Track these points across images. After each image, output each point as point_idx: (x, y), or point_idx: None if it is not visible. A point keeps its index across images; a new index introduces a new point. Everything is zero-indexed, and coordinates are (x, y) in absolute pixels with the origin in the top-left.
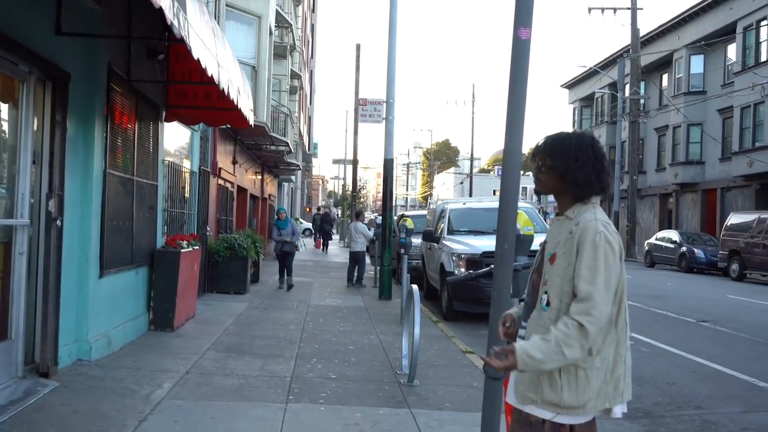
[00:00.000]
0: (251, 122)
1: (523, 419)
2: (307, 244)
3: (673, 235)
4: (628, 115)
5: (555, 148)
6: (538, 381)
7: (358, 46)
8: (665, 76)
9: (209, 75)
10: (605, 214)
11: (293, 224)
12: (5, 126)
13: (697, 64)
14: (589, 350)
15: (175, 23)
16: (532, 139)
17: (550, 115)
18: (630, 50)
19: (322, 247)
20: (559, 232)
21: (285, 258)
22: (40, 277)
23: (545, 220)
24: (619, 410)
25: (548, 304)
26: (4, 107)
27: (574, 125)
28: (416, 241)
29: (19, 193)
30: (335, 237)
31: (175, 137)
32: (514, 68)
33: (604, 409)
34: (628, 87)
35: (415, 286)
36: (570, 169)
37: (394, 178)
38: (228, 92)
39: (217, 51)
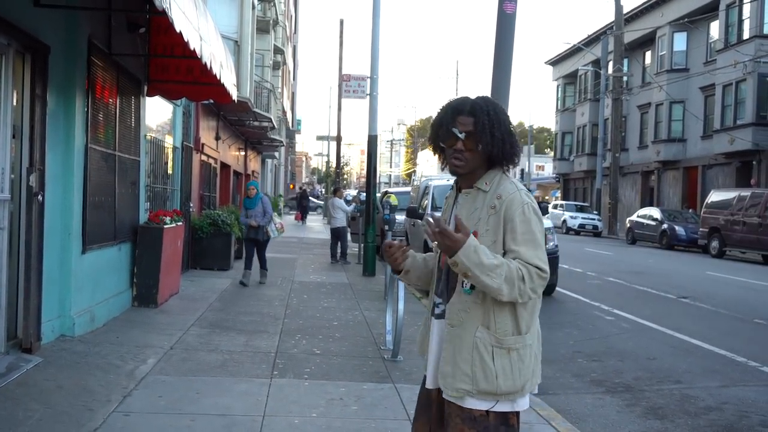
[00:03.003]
0: (234, 97)
1: (466, 415)
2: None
3: (655, 212)
4: (611, 93)
5: (474, 113)
6: (471, 371)
7: (341, 22)
8: (648, 54)
9: (191, 49)
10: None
11: (265, 203)
12: None
13: (680, 41)
14: (518, 323)
15: None
16: (517, 116)
17: (535, 91)
18: (613, 27)
19: (302, 219)
20: (475, 207)
21: (256, 247)
22: (22, 252)
23: None
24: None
25: (472, 287)
26: None
27: (557, 102)
28: (400, 217)
29: None
30: (319, 214)
31: (158, 112)
32: (499, 42)
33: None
34: (611, 64)
35: None
36: (492, 136)
37: (378, 155)
38: (210, 66)
39: (200, 24)
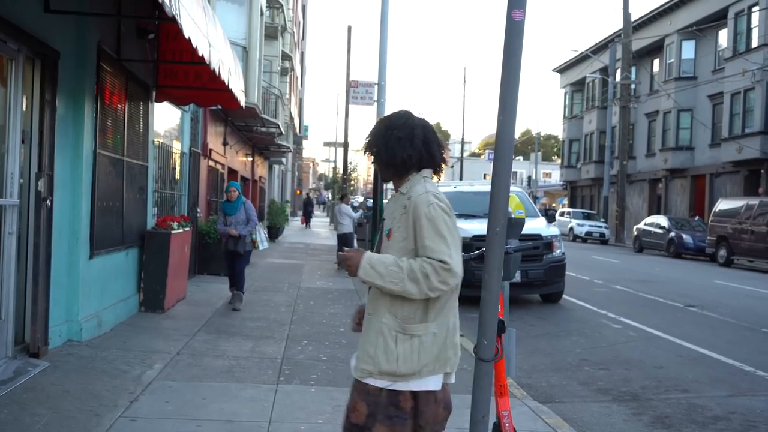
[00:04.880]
0: (242, 103)
1: (362, 388)
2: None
3: (662, 220)
4: (618, 100)
5: (372, 133)
6: (375, 352)
7: (349, 28)
8: (656, 62)
9: (200, 55)
10: (437, 187)
11: (248, 209)
12: None
13: (688, 49)
14: (391, 309)
15: (167, 1)
16: (525, 123)
17: (543, 99)
18: (621, 35)
19: (306, 223)
20: (395, 207)
21: (233, 260)
22: (30, 257)
23: (535, 204)
24: (454, 376)
25: None
26: None
27: (565, 110)
28: None
29: (8, 173)
30: (326, 220)
31: (166, 118)
32: (507, 50)
33: (445, 373)
34: (619, 72)
35: None
36: (386, 148)
37: None
38: (219, 72)
39: (208, 30)
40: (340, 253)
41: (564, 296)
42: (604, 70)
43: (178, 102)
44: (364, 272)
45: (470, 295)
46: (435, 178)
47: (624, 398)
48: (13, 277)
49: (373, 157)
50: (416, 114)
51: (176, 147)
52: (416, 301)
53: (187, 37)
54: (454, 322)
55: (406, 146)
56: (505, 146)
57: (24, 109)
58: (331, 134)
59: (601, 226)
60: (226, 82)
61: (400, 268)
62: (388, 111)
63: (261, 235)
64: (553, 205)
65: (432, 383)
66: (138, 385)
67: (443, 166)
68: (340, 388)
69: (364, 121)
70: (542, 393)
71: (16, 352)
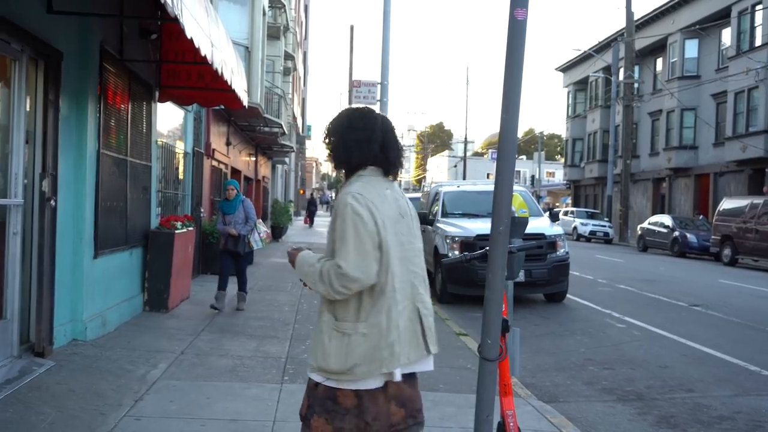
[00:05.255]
0: (245, 103)
1: (308, 384)
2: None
3: (666, 219)
4: (621, 99)
5: (332, 127)
6: (315, 348)
7: (351, 28)
8: (659, 61)
9: (203, 55)
10: (368, 186)
11: (247, 207)
12: None
13: (691, 48)
14: (329, 308)
15: (169, 1)
16: (528, 122)
17: (546, 98)
18: (624, 34)
19: (309, 222)
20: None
21: (235, 261)
22: (35, 257)
23: (539, 203)
24: (398, 373)
25: None
26: None
27: (568, 109)
28: None
29: (13, 173)
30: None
31: (169, 118)
32: (510, 49)
33: (384, 373)
34: (622, 71)
35: None
36: (343, 148)
37: None
38: (222, 73)
39: (211, 31)
40: (288, 251)
41: (568, 295)
42: (607, 69)
43: (180, 102)
44: (297, 270)
45: (474, 295)
46: (390, 177)
47: (629, 398)
48: (18, 276)
49: (328, 150)
50: (378, 113)
51: (179, 147)
52: (348, 301)
53: (189, 38)
54: (389, 323)
55: (363, 149)
56: (508, 145)
57: (28, 109)
58: None
59: (604, 226)
60: (229, 82)
61: (315, 269)
62: (390, 111)
63: (255, 234)
64: (557, 204)
65: (367, 383)
66: (143, 385)
67: (397, 168)
68: None
69: None
70: (546, 392)
71: (21, 352)
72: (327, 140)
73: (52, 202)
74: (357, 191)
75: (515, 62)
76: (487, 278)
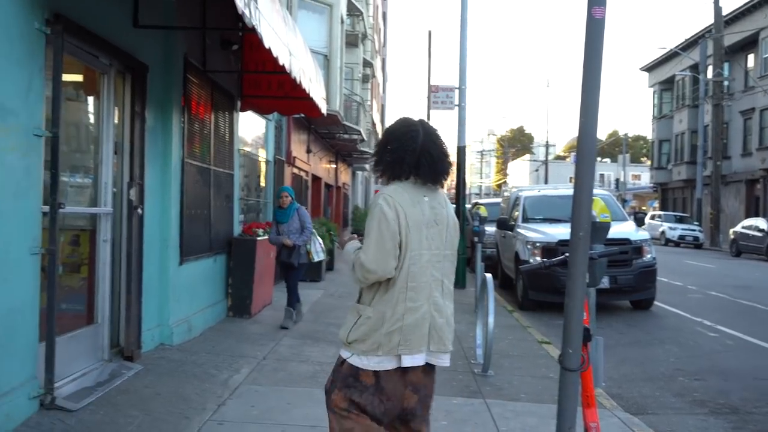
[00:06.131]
0: (324, 111)
1: (338, 359)
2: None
3: (761, 222)
4: (711, 98)
5: (377, 145)
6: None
7: (429, 33)
8: (751, 57)
9: (281, 64)
10: (401, 191)
11: (303, 216)
12: (88, 117)
13: None
14: (360, 291)
15: (246, 12)
16: (612, 124)
17: (630, 99)
18: (713, 30)
19: None
20: None
21: (287, 273)
22: (123, 263)
23: (624, 207)
24: (408, 360)
25: None
26: (87, 99)
27: (654, 109)
28: (490, 229)
29: (102, 183)
30: None
31: (251, 127)
32: (588, 49)
33: (391, 355)
34: (710, 69)
35: (488, 275)
36: (382, 163)
37: (468, 166)
38: (300, 81)
39: (289, 40)
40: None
41: (655, 303)
42: (694, 68)
43: (261, 111)
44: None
45: (556, 301)
46: (432, 185)
47: (722, 411)
48: (107, 282)
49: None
50: (419, 123)
51: (261, 155)
52: (370, 287)
53: (267, 47)
54: (393, 315)
55: (395, 168)
56: (588, 148)
57: (116, 121)
58: None
59: (694, 230)
60: (307, 90)
61: (350, 258)
62: (469, 115)
63: (316, 245)
64: (643, 208)
65: (367, 362)
66: (225, 389)
67: (436, 179)
68: None
69: (446, 125)
70: (633, 404)
71: (111, 355)
72: (372, 158)
73: (139, 211)
74: (389, 193)
75: (594, 63)
76: (567, 285)
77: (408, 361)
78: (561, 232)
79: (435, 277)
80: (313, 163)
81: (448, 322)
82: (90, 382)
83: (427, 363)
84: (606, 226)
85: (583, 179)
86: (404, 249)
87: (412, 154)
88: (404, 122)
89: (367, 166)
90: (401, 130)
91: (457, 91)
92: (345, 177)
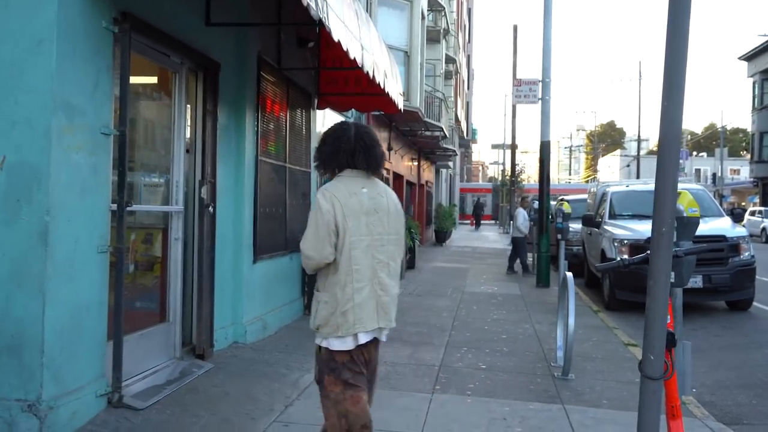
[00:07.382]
0: (400, 107)
1: (315, 349)
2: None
3: None
4: None
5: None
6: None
7: (515, 27)
8: None
9: (351, 57)
10: (339, 185)
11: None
12: (161, 116)
13: None
14: (317, 284)
15: (312, 4)
16: (709, 117)
17: (728, 90)
18: None
19: (475, 225)
20: None
21: None
22: (195, 261)
23: (721, 203)
24: (363, 337)
25: None
26: (159, 98)
27: (754, 100)
28: (576, 226)
29: (174, 181)
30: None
31: (328, 124)
32: (671, 28)
33: (349, 335)
34: None
35: (569, 273)
36: (320, 159)
37: (557, 162)
38: (373, 75)
39: (361, 34)
40: None
41: (754, 303)
42: None
43: (338, 108)
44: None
45: (644, 302)
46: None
47: None
48: (179, 281)
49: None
50: (354, 127)
51: None
52: (320, 275)
53: (336, 40)
54: (344, 296)
55: (333, 159)
56: (672, 135)
57: (188, 119)
58: (500, 136)
59: None
60: (381, 85)
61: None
62: (558, 111)
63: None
64: (743, 204)
65: (333, 344)
66: (294, 390)
67: (370, 170)
68: (497, 399)
69: (533, 122)
70: (728, 413)
71: (183, 354)
72: (316, 158)
73: (211, 209)
74: (327, 188)
75: (678, 41)
76: (648, 286)
77: (363, 338)
78: (649, 228)
79: (379, 260)
80: (395, 160)
81: (393, 300)
82: (161, 380)
83: (374, 338)
84: (695, 221)
85: (667, 168)
86: (342, 235)
87: (348, 142)
88: (338, 124)
89: (450, 164)
90: (336, 129)
91: (540, 84)
92: (428, 174)
